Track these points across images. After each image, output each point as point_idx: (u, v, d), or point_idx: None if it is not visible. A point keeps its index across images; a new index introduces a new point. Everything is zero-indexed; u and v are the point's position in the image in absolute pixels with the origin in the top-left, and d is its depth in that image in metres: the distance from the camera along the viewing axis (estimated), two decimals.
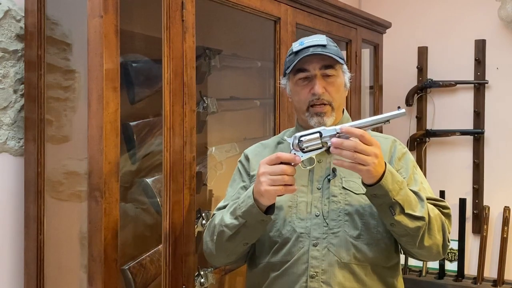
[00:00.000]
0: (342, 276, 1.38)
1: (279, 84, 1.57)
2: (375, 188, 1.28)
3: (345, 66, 1.49)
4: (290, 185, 1.28)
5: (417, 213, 1.33)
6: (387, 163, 1.31)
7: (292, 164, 1.28)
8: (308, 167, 1.35)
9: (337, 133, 1.29)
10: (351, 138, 1.26)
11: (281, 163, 1.28)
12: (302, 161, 1.31)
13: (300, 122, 1.54)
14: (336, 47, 1.47)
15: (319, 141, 1.31)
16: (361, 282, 1.39)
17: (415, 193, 1.37)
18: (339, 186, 1.43)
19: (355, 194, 1.42)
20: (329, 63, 1.43)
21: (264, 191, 1.28)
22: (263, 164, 1.30)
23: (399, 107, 1.30)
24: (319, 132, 1.31)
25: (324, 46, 1.43)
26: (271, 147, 1.57)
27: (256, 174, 1.32)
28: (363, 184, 1.32)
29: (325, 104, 1.43)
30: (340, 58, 1.44)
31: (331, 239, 1.39)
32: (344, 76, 1.49)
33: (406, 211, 1.32)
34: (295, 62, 1.42)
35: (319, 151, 1.32)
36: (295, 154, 1.30)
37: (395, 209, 1.30)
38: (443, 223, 1.42)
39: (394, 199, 1.29)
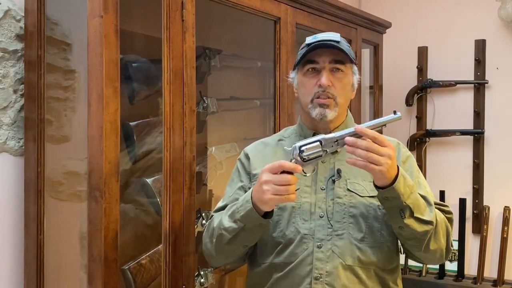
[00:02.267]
0: (346, 279, 1.38)
1: (287, 78, 1.57)
2: (388, 191, 1.29)
3: (355, 68, 1.49)
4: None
5: (425, 217, 1.34)
6: (399, 166, 1.31)
7: (294, 173, 1.29)
8: (308, 174, 1.36)
9: (337, 140, 1.29)
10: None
11: (283, 171, 1.28)
12: (303, 169, 1.31)
13: (303, 119, 1.53)
14: (349, 46, 1.48)
15: (320, 149, 1.31)
16: (364, 285, 1.40)
17: (423, 197, 1.38)
18: (343, 188, 1.43)
19: (360, 196, 1.42)
20: (340, 58, 1.44)
21: (267, 199, 1.28)
22: (265, 172, 1.29)
23: (395, 112, 1.30)
24: (319, 141, 1.31)
25: (337, 42, 1.43)
26: (272, 145, 1.56)
27: (258, 180, 1.31)
28: (375, 186, 1.32)
29: (329, 98, 1.42)
30: (351, 56, 1.44)
31: (336, 241, 1.39)
32: (353, 76, 1.48)
33: (415, 214, 1.32)
34: (305, 52, 1.42)
35: (319, 159, 1.33)
36: (296, 162, 1.30)
37: (405, 212, 1.31)
38: (448, 228, 1.44)
39: (405, 202, 1.30)
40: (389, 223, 1.39)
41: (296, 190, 1.30)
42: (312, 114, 1.43)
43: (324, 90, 1.41)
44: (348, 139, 1.26)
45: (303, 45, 1.49)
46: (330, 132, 1.44)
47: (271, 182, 1.27)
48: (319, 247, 1.39)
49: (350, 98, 1.52)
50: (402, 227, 1.34)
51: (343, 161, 1.45)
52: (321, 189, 1.44)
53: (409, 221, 1.32)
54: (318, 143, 1.31)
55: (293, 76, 1.53)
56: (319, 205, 1.42)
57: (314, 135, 1.48)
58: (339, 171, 1.44)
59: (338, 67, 1.44)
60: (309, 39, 1.46)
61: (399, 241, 1.47)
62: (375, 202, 1.41)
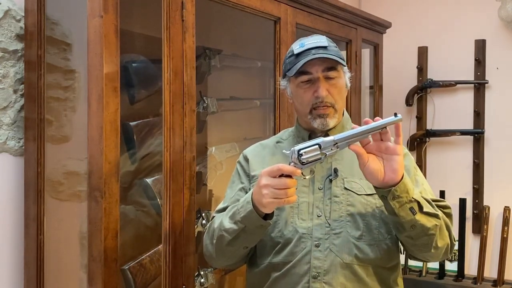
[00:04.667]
0: (344, 277, 1.38)
1: (279, 85, 1.56)
2: (399, 186, 1.28)
3: (345, 67, 1.48)
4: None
5: (432, 211, 1.34)
6: None
7: (293, 177, 1.28)
8: (308, 177, 1.35)
9: (336, 143, 1.29)
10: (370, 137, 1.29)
11: (282, 174, 1.28)
12: (302, 172, 1.31)
13: (301, 123, 1.53)
14: (336, 47, 1.47)
15: (318, 152, 1.30)
16: (362, 283, 1.39)
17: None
18: (341, 187, 1.43)
19: (357, 194, 1.42)
20: (332, 65, 1.43)
21: (266, 203, 1.28)
22: (264, 176, 1.28)
23: (395, 114, 1.29)
24: (318, 144, 1.30)
25: (325, 47, 1.42)
26: (271, 147, 1.56)
27: (257, 183, 1.31)
28: (382, 191, 1.30)
29: (328, 106, 1.42)
30: (341, 59, 1.43)
31: (333, 240, 1.39)
32: (345, 76, 1.48)
33: (425, 209, 1.32)
34: (298, 66, 1.40)
35: (318, 162, 1.32)
36: (295, 166, 1.30)
37: (415, 208, 1.31)
38: (447, 222, 1.43)
39: (413, 197, 1.30)
40: (400, 231, 1.37)
41: None
42: (314, 125, 1.44)
43: (322, 100, 1.41)
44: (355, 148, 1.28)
45: (289, 53, 1.47)
46: (327, 134, 1.44)
47: (270, 186, 1.27)
48: (317, 246, 1.39)
49: (345, 97, 1.53)
50: (415, 226, 1.32)
51: (340, 160, 1.45)
52: (319, 188, 1.44)
53: (420, 217, 1.31)
54: (317, 146, 1.30)
55: (284, 84, 1.51)
56: (317, 204, 1.42)
57: (310, 136, 1.48)
58: (336, 170, 1.44)
59: (331, 76, 1.43)
60: (296, 48, 1.44)
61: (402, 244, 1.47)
62: (373, 200, 1.41)
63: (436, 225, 1.35)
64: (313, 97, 1.42)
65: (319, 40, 1.44)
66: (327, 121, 1.43)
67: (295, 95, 1.47)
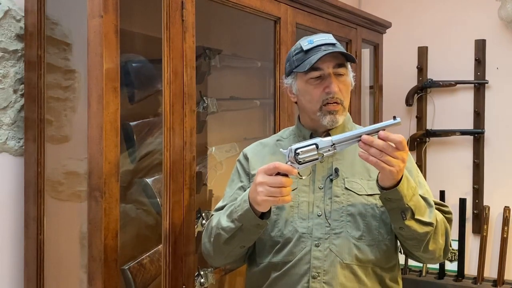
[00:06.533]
0: (343, 277, 1.38)
1: (282, 83, 1.55)
2: (391, 192, 1.29)
3: (350, 66, 1.49)
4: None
5: (426, 219, 1.35)
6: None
7: (289, 176, 1.28)
8: (304, 177, 1.35)
9: (333, 144, 1.29)
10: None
11: (278, 173, 1.28)
12: (298, 172, 1.31)
13: (304, 122, 1.52)
14: (341, 45, 1.47)
15: (315, 152, 1.30)
16: (362, 283, 1.40)
17: (424, 198, 1.39)
18: (341, 187, 1.43)
19: (358, 195, 1.42)
20: (341, 62, 1.43)
21: (261, 201, 1.28)
22: (261, 173, 1.29)
23: (394, 117, 1.29)
24: (315, 144, 1.30)
25: (334, 44, 1.43)
26: (271, 146, 1.56)
27: (253, 181, 1.31)
28: (378, 186, 1.32)
29: (337, 103, 1.43)
30: (351, 57, 1.44)
31: (333, 240, 1.39)
32: (350, 75, 1.49)
33: (416, 216, 1.33)
34: (312, 61, 1.39)
35: (315, 162, 1.32)
36: (291, 165, 1.30)
37: (406, 214, 1.32)
38: (447, 228, 1.44)
39: (407, 204, 1.30)
40: (390, 222, 1.40)
41: (294, 190, 1.30)
42: (323, 122, 1.43)
43: (333, 96, 1.41)
44: (365, 137, 1.25)
45: (296, 50, 1.46)
46: (328, 134, 1.43)
47: (265, 183, 1.27)
48: (317, 245, 1.39)
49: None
50: (403, 228, 1.34)
51: (341, 160, 1.45)
52: (319, 188, 1.44)
53: (409, 223, 1.33)
54: (314, 146, 1.30)
55: (289, 82, 1.50)
56: (317, 204, 1.42)
57: (311, 135, 1.48)
58: (336, 170, 1.44)
59: (341, 72, 1.43)
60: (304, 45, 1.44)
61: (398, 240, 1.47)
62: (373, 200, 1.41)
63: (428, 232, 1.36)
64: (323, 93, 1.42)
65: (328, 37, 1.44)
66: (337, 118, 1.43)
67: (303, 91, 1.46)
